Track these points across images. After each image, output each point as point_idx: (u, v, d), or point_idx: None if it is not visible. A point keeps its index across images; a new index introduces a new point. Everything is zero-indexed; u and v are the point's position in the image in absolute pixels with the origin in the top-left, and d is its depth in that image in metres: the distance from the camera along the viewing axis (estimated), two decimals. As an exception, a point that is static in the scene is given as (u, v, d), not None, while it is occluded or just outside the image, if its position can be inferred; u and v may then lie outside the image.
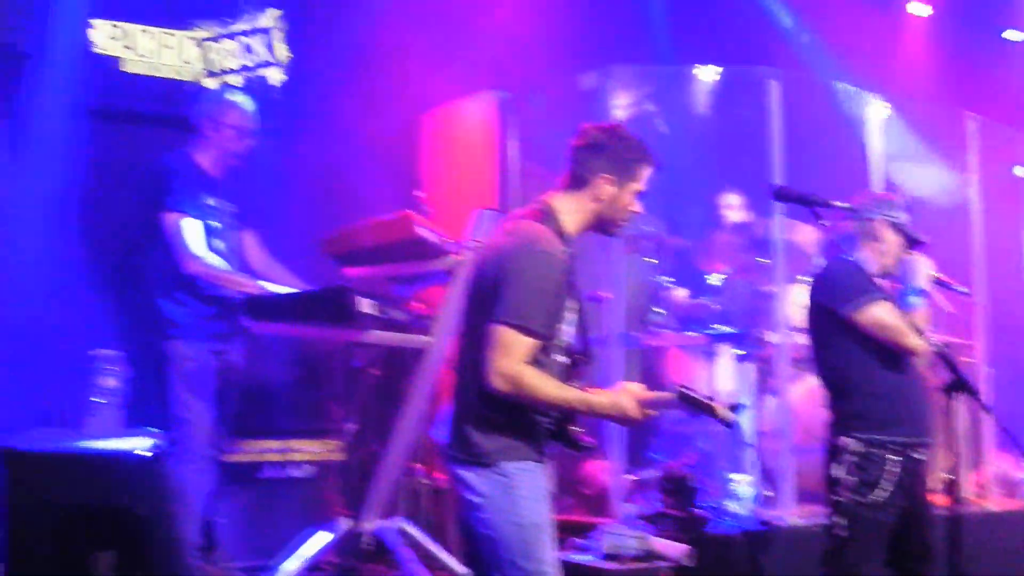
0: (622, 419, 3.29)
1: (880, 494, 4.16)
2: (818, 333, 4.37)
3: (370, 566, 4.97)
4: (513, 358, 3.15)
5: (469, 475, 3.26)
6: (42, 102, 5.43)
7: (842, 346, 4.27)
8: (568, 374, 3.35)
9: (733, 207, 6.99)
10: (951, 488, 4.08)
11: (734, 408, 3.26)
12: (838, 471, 4.20)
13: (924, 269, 4.41)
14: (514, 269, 3.19)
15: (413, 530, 5.00)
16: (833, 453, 4.25)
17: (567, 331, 3.34)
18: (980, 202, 6.90)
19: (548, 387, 3.21)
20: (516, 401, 3.20)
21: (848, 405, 4.28)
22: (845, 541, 4.18)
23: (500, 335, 3.16)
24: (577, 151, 3.39)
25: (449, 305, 5.06)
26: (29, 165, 5.31)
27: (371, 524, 4.90)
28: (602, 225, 3.42)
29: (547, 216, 3.35)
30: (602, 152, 3.36)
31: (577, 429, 3.34)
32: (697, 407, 3.22)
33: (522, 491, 3.26)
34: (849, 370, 4.28)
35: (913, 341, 4.17)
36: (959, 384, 4.10)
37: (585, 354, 3.43)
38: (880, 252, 4.37)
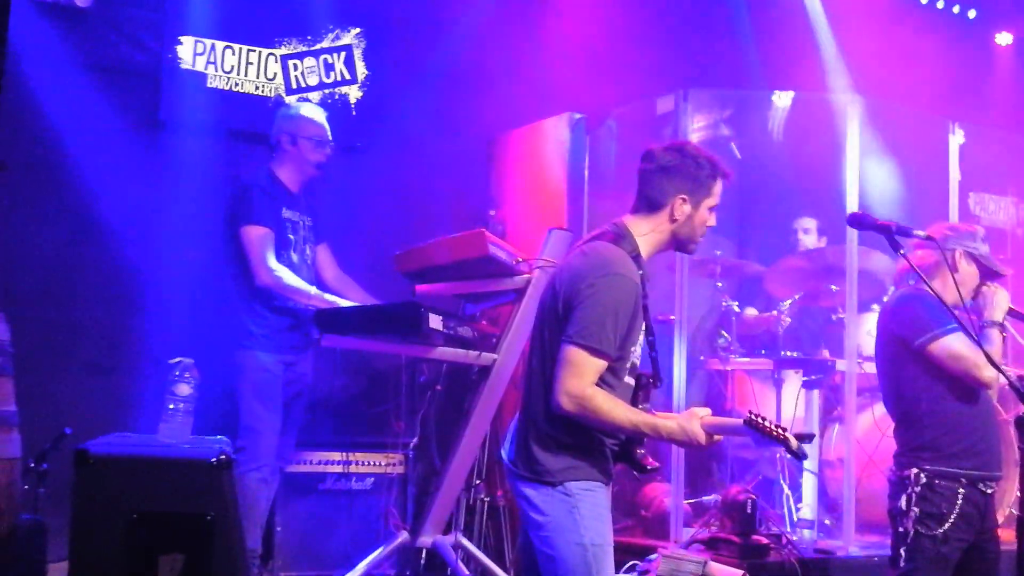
0: (688, 443, 3.27)
1: (945, 527, 4.12)
2: (889, 363, 4.34)
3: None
4: (582, 379, 3.18)
5: (533, 493, 3.29)
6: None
7: (913, 376, 4.24)
8: (637, 396, 3.39)
9: (808, 231, 6.95)
10: (1020, 524, 4.01)
11: (803, 438, 3.22)
12: (903, 502, 4.17)
13: (1002, 302, 4.36)
14: (588, 290, 3.22)
15: (470, 545, 5.05)
16: (899, 484, 4.23)
17: (637, 353, 3.37)
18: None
19: (616, 409, 3.23)
20: (583, 421, 3.23)
21: (917, 436, 4.24)
22: (907, 573, 4.15)
23: (571, 355, 3.19)
24: (649, 173, 3.42)
25: (516, 324, 5.12)
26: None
27: (429, 538, 4.96)
28: (680, 244, 3.47)
29: (622, 238, 3.38)
30: (675, 173, 3.40)
31: (642, 451, 3.37)
32: (766, 435, 3.19)
33: (585, 511, 3.28)
34: (919, 401, 4.24)
35: (987, 373, 4.11)
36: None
37: (654, 377, 3.46)
38: (957, 283, 4.28)
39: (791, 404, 6.01)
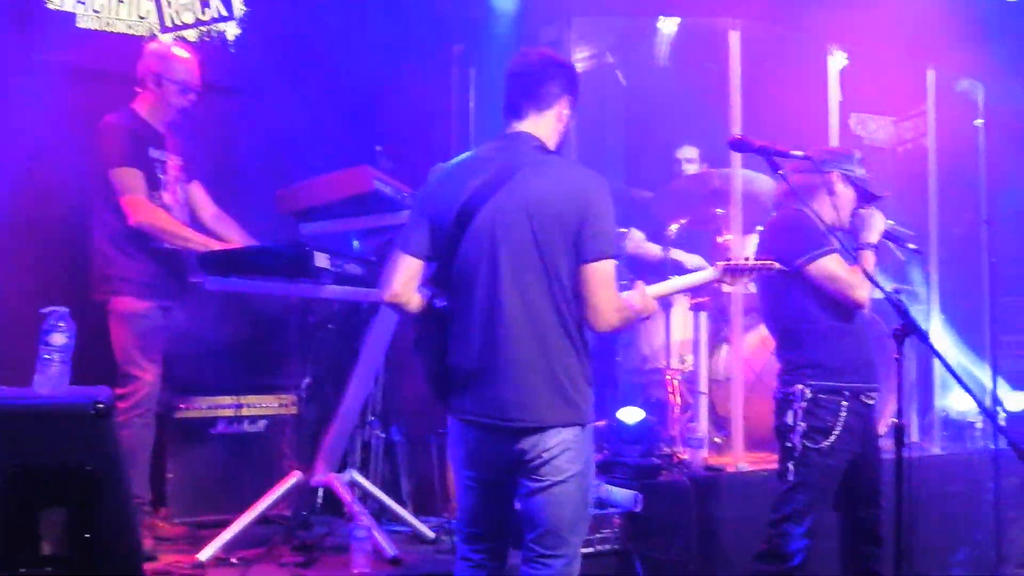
0: (649, 315, 3.42)
1: (831, 440, 4.26)
2: (769, 283, 4.43)
3: (322, 518, 5.02)
4: (616, 289, 3.15)
5: (569, 440, 3.13)
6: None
7: (792, 296, 4.34)
8: None
9: (691, 160, 7.01)
10: (899, 432, 4.15)
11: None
12: (790, 418, 4.29)
13: (878, 223, 4.46)
14: (595, 204, 3.16)
15: (365, 482, 5.06)
16: (784, 401, 4.34)
17: None
18: (937, 152, 6.93)
19: (634, 306, 3.26)
20: (621, 332, 3.23)
21: (799, 354, 4.36)
22: (796, 486, 4.28)
23: (607, 270, 3.13)
24: (531, 77, 3.37)
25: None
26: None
27: (323, 477, 4.95)
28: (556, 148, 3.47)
29: (546, 147, 3.35)
30: (561, 73, 3.42)
31: None
32: (750, 270, 3.56)
33: (592, 452, 3.28)
34: (799, 320, 4.35)
35: (861, 294, 4.25)
36: (909, 330, 4.13)
37: None
38: (834, 205, 4.43)
39: (680, 326, 6.10)
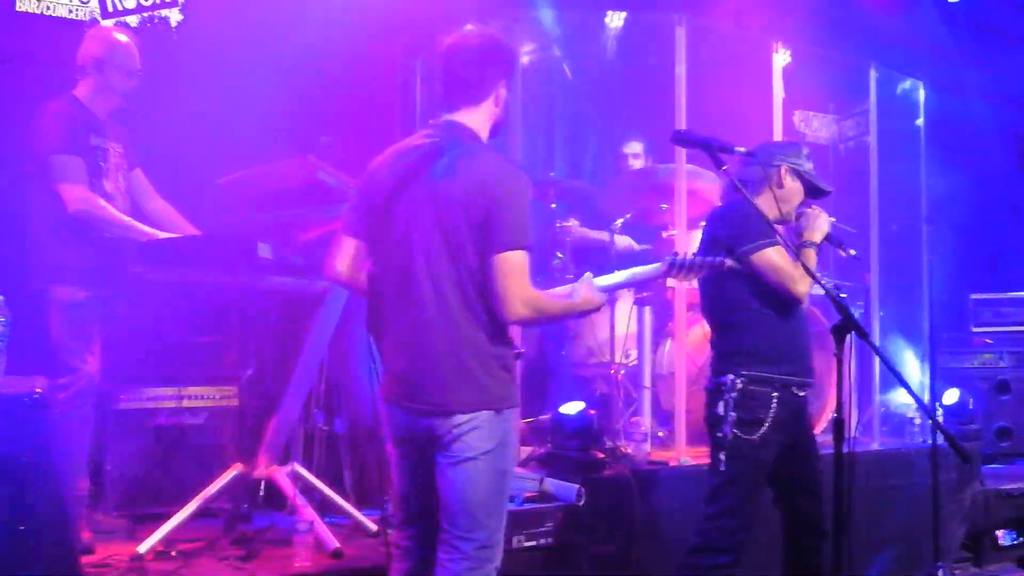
0: (594, 309, 3.41)
1: (762, 431, 4.25)
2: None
3: (264, 511, 4.98)
4: (528, 280, 3.13)
5: (470, 422, 3.15)
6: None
7: (731, 285, 4.32)
8: None
9: (637, 155, 7.04)
10: (838, 428, 4.19)
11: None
12: (721, 408, 4.27)
13: (823, 224, 4.46)
14: (507, 193, 3.15)
15: (307, 474, 5.03)
16: (716, 391, 4.33)
17: None
18: (878, 150, 7.02)
19: (556, 302, 3.28)
20: (532, 324, 3.25)
21: (732, 343, 4.36)
22: (730, 480, 4.26)
23: (514, 260, 3.11)
24: (466, 66, 3.35)
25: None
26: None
27: (265, 470, 4.91)
28: (495, 130, 3.46)
29: (473, 136, 3.34)
30: (494, 61, 3.38)
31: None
32: (698, 267, 3.45)
33: (511, 438, 3.27)
34: (735, 308, 4.35)
35: (801, 288, 4.25)
36: (849, 325, 4.18)
37: None
38: (781, 199, 4.43)
39: (624, 321, 6.12)
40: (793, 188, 4.50)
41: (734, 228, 4.31)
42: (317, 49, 6.39)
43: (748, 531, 4.29)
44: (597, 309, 3.43)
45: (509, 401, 3.24)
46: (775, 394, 4.27)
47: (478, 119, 3.37)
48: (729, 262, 3.39)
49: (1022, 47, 9.96)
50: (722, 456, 4.26)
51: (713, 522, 4.28)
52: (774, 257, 4.24)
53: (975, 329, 8.70)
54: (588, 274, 3.46)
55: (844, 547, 4.54)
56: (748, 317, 4.32)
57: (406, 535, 3.44)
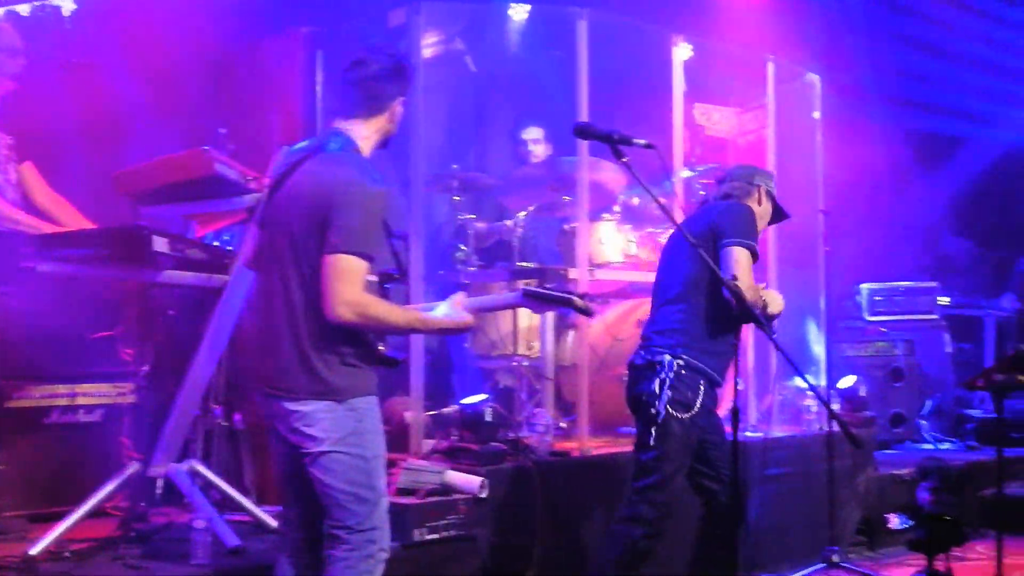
0: (458, 329, 3.51)
1: (692, 413, 4.43)
2: (690, 249, 4.48)
3: (162, 510, 4.90)
4: (356, 285, 3.22)
5: (313, 411, 3.30)
6: None
7: (697, 267, 4.50)
8: (384, 295, 3.48)
9: (537, 140, 7.06)
10: (735, 416, 4.28)
11: (584, 296, 3.52)
12: (656, 386, 4.40)
13: (780, 305, 4.72)
14: (346, 197, 3.26)
15: (206, 472, 4.95)
16: (647, 367, 4.46)
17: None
18: (776, 143, 7.14)
19: (391, 311, 3.34)
20: (360, 328, 3.29)
21: (675, 321, 4.50)
22: (660, 458, 4.41)
23: (341, 263, 3.21)
24: (367, 79, 3.49)
25: (249, 244, 4.98)
26: None
27: (162, 467, 4.83)
28: (386, 142, 3.60)
29: (351, 144, 3.45)
30: (394, 77, 3.53)
31: (383, 347, 3.44)
32: (549, 301, 3.47)
33: (368, 425, 3.38)
34: (692, 292, 4.50)
35: (752, 296, 4.36)
36: (748, 317, 4.31)
37: (402, 273, 3.59)
38: (757, 215, 4.75)
39: (527, 313, 6.14)
40: (767, 208, 4.84)
41: (733, 221, 4.54)
42: (217, 40, 6.31)
43: (671, 508, 4.47)
44: (464, 330, 3.54)
45: (353, 391, 3.35)
46: (703, 383, 4.47)
47: (367, 131, 3.52)
48: (580, 302, 3.47)
49: (914, 46, 10.24)
50: (653, 431, 4.39)
51: (646, 496, 4.43)
52: (745, 258, 4.44)
53: (870, 318, 8.91)
54: (460, 294, 3.53)
55: (743, 533, 4.67)
56: (699, 304, 4.46)
57: (287, 519, 3.61)
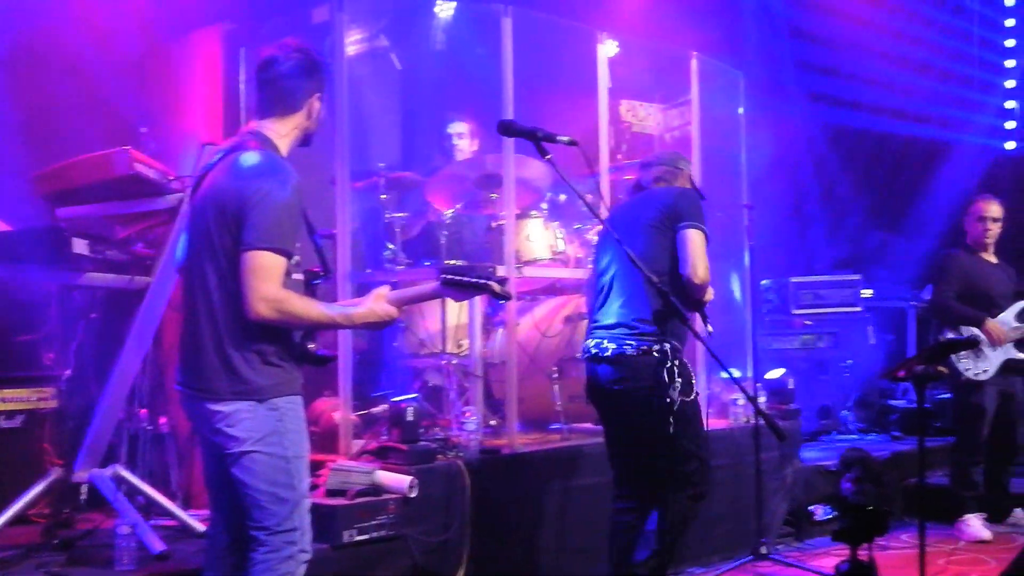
0: (381, 323, 3.46)
1: (694, 393, 4.59)
2: (657, 232, 4.69)
3: (86, 515, 4.83)
4: (274, 282, 3.21)
5: (233, 411, 3.29)
6: None
7: (667, 259, 4.62)
8: (309, 291, 3.48)
9: (462, 135, 7.05)
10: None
11: (502, 281, 3.48)
12: (666, 375, 4.47)
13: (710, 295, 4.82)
14: (259, 195, 3.25)
15: (131, 476, 4.88)
16: (647, 354, 4.52)
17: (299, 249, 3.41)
18: (701, 139, 7.20)
19: (311, 306, 3.31)
20: (281, 325, 3.27)
21: (665, 313, 4.50)
22: (677, 436, 4.48)
23: (257, 260, 3.20)
24: (281, 78, 3.47)
25: (171, 244, 4.92)
26: None
27: (85, 472, 4.75)
28: (306, 140, 3.60)
29: (267, 143, 3.43)
30: (309, 74, 3.51)
31: (313, 345, 3.44)
32: (467, 288, 3.44)
33: (290, 424, 3.36)
34: (666, 282, 4.50)
35: (700, 274, 4.58)
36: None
37: (325, 270, 3.57)
38: None
39: (455, 311, 6.14)
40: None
41: (689, 205, 4.69)
42: (138, 36, 6.20)
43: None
44: (388, 323, 3.50)
45: (275, 391, 3.34)
46: (688, 364, 4.64)
47: (284, 129, 3.50)
48: (498, 287, 3.47)
49: (826, 46, 10.41)
50: (671, 420, 4.46)
51: (695, 468, 4.61)
52: (700, 238, 4.60)
53: (795, 311, 9.02)
54: (383, 287, 3.53)
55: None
56: (666, 288, 4.45)
57: (214, 522, 3.61)
